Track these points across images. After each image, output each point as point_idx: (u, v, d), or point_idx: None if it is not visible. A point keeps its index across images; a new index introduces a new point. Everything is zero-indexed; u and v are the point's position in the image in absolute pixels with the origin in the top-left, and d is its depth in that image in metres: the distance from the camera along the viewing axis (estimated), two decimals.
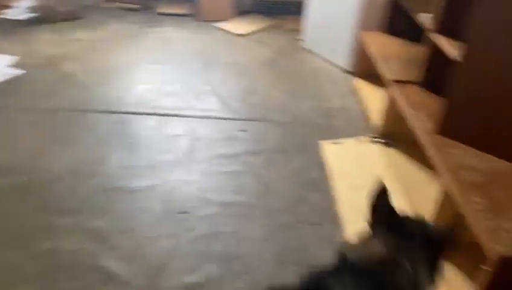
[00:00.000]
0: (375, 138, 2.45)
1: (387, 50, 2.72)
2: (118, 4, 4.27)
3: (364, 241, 1.08)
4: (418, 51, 2.68)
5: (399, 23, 2.89)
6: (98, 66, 3.14)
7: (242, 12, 4.25)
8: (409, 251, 1.03)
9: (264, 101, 2.86)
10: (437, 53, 2.14)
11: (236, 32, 3.89)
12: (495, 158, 1.72)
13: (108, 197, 2.00)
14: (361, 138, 2.48)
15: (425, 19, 2.15)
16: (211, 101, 2.82)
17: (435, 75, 2.22)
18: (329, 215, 1.97)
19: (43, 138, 2.37)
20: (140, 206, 1.97)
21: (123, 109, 2.66)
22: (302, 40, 3.72)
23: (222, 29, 3.95)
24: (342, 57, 3.30)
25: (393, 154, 2.34)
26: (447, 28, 2.07)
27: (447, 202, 1.69)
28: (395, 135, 2.43)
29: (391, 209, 1.08)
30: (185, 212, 1.95)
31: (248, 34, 3.88)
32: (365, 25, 3.06)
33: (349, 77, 3.21)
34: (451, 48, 1.96)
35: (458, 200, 1.57)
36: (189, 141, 2.41)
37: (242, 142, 2.45)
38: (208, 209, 1.97)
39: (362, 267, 1.01)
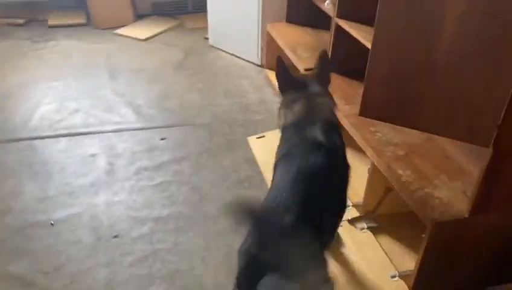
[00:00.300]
0: None
1: (295, 40, 2.76)
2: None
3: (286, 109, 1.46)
4: (323, 38, 2.78)
5: (301, 12, 2.95)
6: None
7: (140, 16, 4.07)
8: (315, 92, 1.46)
9: (180, 105, 2.77)
10: (344, 38, 2.22)
11: (138, 37, 3.72)
12: (411, 130, 1.82)
13: (27, 236, 1.80)
14: None
15: (328, 6, 2.21)
16: (124, 112, 2.67)
17: (343, 59, 2.30)
18: None
19: None
20: (67, 238, 1.80)
21: (28, 135, 2.41)
22: (208, 38, 3.66)
23: (123, 35, 3.75)
24: (251, 51, 3.30)
25: None
26: (350, 14, 2.16)
27: (376, 177, 1.76)
28: None
29: (289, 75, 1.48)
30: (117, 236, 1.82)
31: (152, 38, 3.73)
32: (269, 16, 3.09)
33: (261, 70, 3.24)
34: (358, 33, 2.05)
35: (386, 175, 1.65)
36: (108, 158, 2.26)
37: (165, 150, 2.35)
38: (141, 228, 1.86)
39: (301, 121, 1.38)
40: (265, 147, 2.36)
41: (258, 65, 3.30)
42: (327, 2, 2.21)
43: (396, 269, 1.66)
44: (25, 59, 3.27)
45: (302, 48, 2.65)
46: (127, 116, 2.62)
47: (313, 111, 1.40)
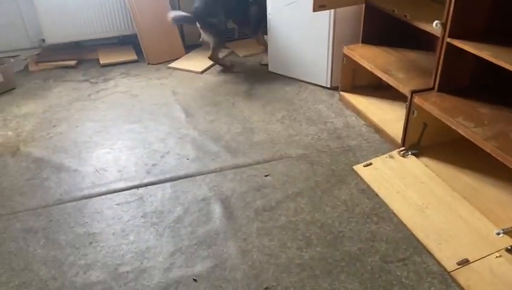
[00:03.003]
0: (404, 151, 2.41)
1: (380, 60, 2.71)
2: (50, 64, 3.78)
3: None
4: (407, 56, 2.73)
5: (376, 32, 2.91)
6: (69, 141, 2.72)
7: (188, 47, 4.02)
8: None
9: (268, 138, 2.68)
10: (454, 57, 2.17)
11: (194, 69, 3.65)
12: None
13: None
14: (392, 153, 2.42)
15: (437, 26, 2.15)
16: (216, 150, 2.57)
17: (456, 78, 2.25)
18: (410, 244, 1.87)
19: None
20: None
21: (130, 184, 2.31)
22: (266, 65, 3.61)
23: (178, 69, 3.69)
24: (319, 75, 3.25)
25: (430, 163, 2.32)
26: (460, 33, 2.11)
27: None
28: (420, 144, 2.41)
29: None
30: (268, 288, 1.72)
31: (207, 69, 3.68)
32: (340, 38, 3.05)
33: (333, 92, 3.18)
34: (477, 50, 2.00)
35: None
36: (221, 202, 2.16)
37: (274, 188, 2.25)
38: (289, 277, 1.76)
39: None
40: (376, 176, 2.28)
41: (328, 88, 3.24)
42: (436, 22, 2.16)
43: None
44: (90, 102, 3.19)
45: (393, 69, 2.59)
46: (221, 154, 2.54)
47: None
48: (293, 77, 3.44)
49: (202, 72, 3.62)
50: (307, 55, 3.26)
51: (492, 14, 2.12)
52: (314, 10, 2.68)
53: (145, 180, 2.34)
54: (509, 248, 1.76)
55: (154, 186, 2.30)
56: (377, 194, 2.17)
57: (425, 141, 2.41)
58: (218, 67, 3.69)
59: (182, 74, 3.61)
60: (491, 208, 1.98)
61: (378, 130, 2.67)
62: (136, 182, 2.33)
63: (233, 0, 3.52)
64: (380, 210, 2.09)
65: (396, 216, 2.03)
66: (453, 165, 2.27)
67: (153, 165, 2.47)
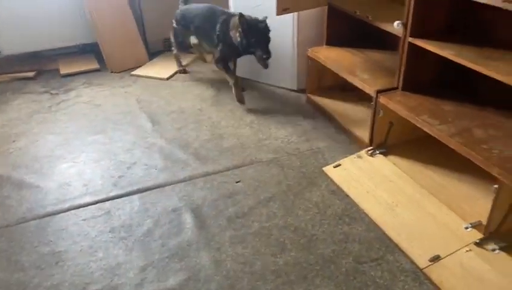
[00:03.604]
0: (372, 150, 2.44)
1: (345, 62, 2.73)
2: (7, 76, 3.62)
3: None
4: (371, 57, 2.77)
5: (340, 34, 2.93)
6: (30, 156, 2.60)
7: (152, 54, 3.95)
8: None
9: (238, 143, 2.66)
10: (416, 56, 2.21)
11: (160, 76, 3.58)
12: None
13: None
14: (360, 153, 2.44)
15: (399, 26, 2.19)
16: (184, 158, 2.52)
17: (419, 76, 2.29)
18: (382, 243, 1.89)
19: None
20: None
21: (96, 197, 2.23)
22: None
23: (143, 76, 3.61)
24: (285, 78, 3.26)
25: (397, 161, 2.35)
26: (421, 33, 2.15)
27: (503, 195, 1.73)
28: (387, 143, 2.44)
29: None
30: None
31: (173, 75, 3.62)
32: (304, 41, 3.06)
33: (299, 95, 3.19)
34: (439, 49, 2.04)
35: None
36: (192, 211, 2.11)
37: (246, 194, 2.23)
38: (265, 285, 1.74)
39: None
40: (346, 176, 2.30)
41: (295, 90, 3.25)
42: (397, 23, 2.19)
43: None
44: (50, 114, 3.07)
45: (358, 70, 2.61)
46: (190, 163, 2.49)
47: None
48: (260, 81, 3.42)
49: (168, 78, 3.56)
50: (273, 58, 3.24)
51: (451, 13, 2.17)
52: (278, 14, 2.68)
53: (112, 193, 2.26)
54: (477, 241, 1.80)
55: (121, 199, 2.23)
56: (347, 195, 2.18)
57: (392, 139, 2.44)
58: (184, 74, 3.63)
59: (146, 82, 3.54)
60: (458, 203, 2.02)
61: (345, 130, 2.69)
62: (103, 196, 2.25)
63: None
64: (351, 211, 2.09)
65: (368, 216, 2.05)
66: (420, 162, 2.31)
67: (120, 177, 2.40)
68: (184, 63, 3.71)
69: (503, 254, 1.74)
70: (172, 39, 3.53)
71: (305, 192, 2.23)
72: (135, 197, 2.24)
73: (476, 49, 2.00)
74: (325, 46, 2.98)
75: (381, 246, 1.89)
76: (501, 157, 1.75)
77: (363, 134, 2.54)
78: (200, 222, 2.06)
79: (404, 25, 2.18)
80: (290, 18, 2.98)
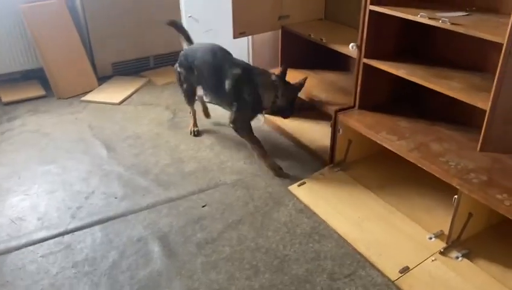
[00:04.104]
0: (333, 167, 2.50)
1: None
2: None
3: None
4: (327, 78, 2.86)
5: (295, 56, 3.02)
6: None
7: (101, 78, 3.83)
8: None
9: (200, 166, 2.62)
10: (370, 75, 2.32)
11: (111, 101, 3.48)
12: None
13: None
14: (323, 171, 2.49)
15: (353, 48, 2.29)
16: (145, 184, 2.45)
17: (374, 95, 2.40)
18: (353, 258, 1.92)
19: None
20: None
21: (54, 231, 2.09)
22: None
23: (93, 102, 3.48)
24: None
25: (358, 177, 2.42)
26: (374, 53, 2.26)
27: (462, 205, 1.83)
28: (347, 160, 2.51)
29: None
30: None
31: (125, 100, 3.53)
32: (260, 64, 3.11)
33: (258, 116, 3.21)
34: (393, 69, 2.15)
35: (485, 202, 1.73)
36: (159, 240, 2.04)
37: (213, 218, 2.19)
38: None
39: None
40: (311, 194, 2.33)
41: None
42: (352, 45, 2.29)
43: None
44: None
45: (316, 90, 2.69)
46: (152, 189, 2.41)
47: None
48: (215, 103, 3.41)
49: (120, 103, 3.46)
50: None
51: (400, 36, 2.31)
52: (235, 37, 2.72)
53: (71, 226, 2.14)
54: (442, 250, 1.88)
55: (82, 231, 2.11)
56: (314, 213, 2.21)
57: (351, 156, 2.52)
58: (136, 98, 3.55)
59: (97, 107, 3.42)
60: (420, 214, 2.11)
61: (306, 149, 2.74)
62: (61, 229, 2.12)
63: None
64: (319, 228, 2.12)
65: (336, 232, 2.08)
66: (379, 177, 2.40)
67: (78, 208, 2.27)
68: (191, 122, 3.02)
69: (465, 261, 1.83)
70: (179, 87, 2.92)
71: (273, 212, 2.23)
72: (96, 228, 2.13)
73: (426, 68, 2.14)
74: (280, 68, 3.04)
75: (353, 261, 1.92)
76: (458, 169, 1.86)
77: (324, 151, 2.60)
78: (168, 250, 1.99)
79: (359, 47, 2.29)
80: (245, 41, 3.03)
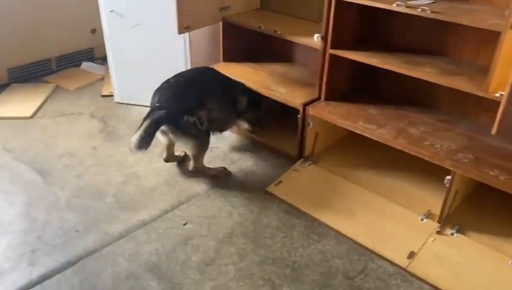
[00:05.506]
0: (304, 161, 2.45)
1: (253, 78, 2.67)
2: None
3: None
4: (276, 70, 2.79)
5: (237, 50, 2.87)
6: None
7: None
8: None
9: (163, 180, 2.35)
10: (336, 65, 2.31)
11: (20, 115, 2.93)
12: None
13: None
14: (295, 167, 2.42)
15: (318, 39, 2.25)
16: (107, 210, 2.11)
17: (338, 86, 2.40)
18: (359, 253, 1.91)
19: None
20: None
21: (24, 281, 1.67)
22: (108, 96, 3.18)
23: (2, 118, 2.89)
24: None
25: (332, 168, 2.40)
26: (338, 44, 2.25)
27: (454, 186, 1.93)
28: (314, 152, 2.49)
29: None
30: None
31: (37, 111, 3.00)
32: (198, 60, 2.90)
33: None
34: (364, 58, 2.17)
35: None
36: (150, 271, 1.78)
37: (202, 236, 1.98)
38: None
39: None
40: (292, 192, 2.25)
41: None
42: (316, 36, 2.24)
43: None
44: None
45: (271, 84, 2.59)
46: (116, 213, 2.09)
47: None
48: (147, 105, 3.09)
49: (32, 116, 2.93)
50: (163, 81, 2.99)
51: (359, 25, 2.32)
52: (180, 32, 2.47)
53: (34, 275, 1.74)
54: (438, 230, 1.97)
55: (52, 279, 1.73)
56: (303, 211, 2.14)
57: (318, 148, 2.50)
58: (50, 107, 3.04)
59: (5, 124, 2.84)
60: (402, 197, 2.18)
61: (267, 147, 2.64)
62: (22, 282, 1.71)
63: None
64: (314, 227, 2.06)
65: (332, 228, 2.04)
66: (350, 165, 2.41)
67: (32, 251, 1.86)
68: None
69: (460, 236, 1.95)
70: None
71: (262, 218, 2.11)
72: (69, 272, 1.77)
73: (394, 55, 2.18)
74: (222, 62, 2.87)
75: (360, 255, 1.91)
76: (446, 151, 1.96)
77: (288, 147, 2.53)
78: (168, 282, 1.74)
79: (324, 38, 2.25)
80: (181, 37, 2.77)
